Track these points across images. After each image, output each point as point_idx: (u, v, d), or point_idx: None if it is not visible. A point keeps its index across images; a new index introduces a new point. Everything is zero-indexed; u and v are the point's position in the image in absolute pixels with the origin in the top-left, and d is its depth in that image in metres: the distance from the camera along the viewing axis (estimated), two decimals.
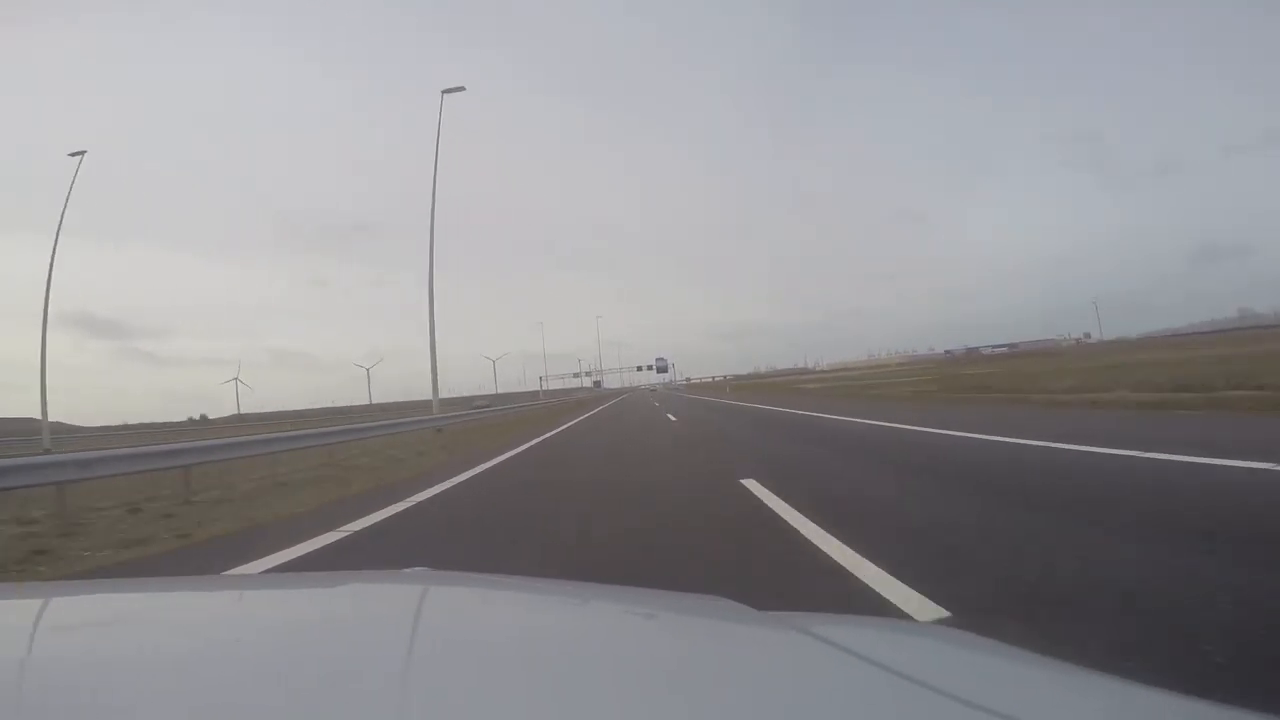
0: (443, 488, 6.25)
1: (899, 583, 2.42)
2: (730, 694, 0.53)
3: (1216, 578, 2.27)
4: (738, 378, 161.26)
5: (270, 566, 3.49)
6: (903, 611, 2.11)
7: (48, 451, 16.57)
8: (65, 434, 57.58)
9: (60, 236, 28.08)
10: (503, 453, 9.75)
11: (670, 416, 17.50)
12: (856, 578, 2.56)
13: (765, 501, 4.37)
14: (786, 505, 4.10)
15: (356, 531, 4.33)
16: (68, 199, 28.28)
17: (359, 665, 0.58)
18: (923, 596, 2.24)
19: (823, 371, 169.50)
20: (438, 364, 20.23)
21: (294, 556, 3.65)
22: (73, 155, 28.80)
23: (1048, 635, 1.77)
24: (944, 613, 2.06)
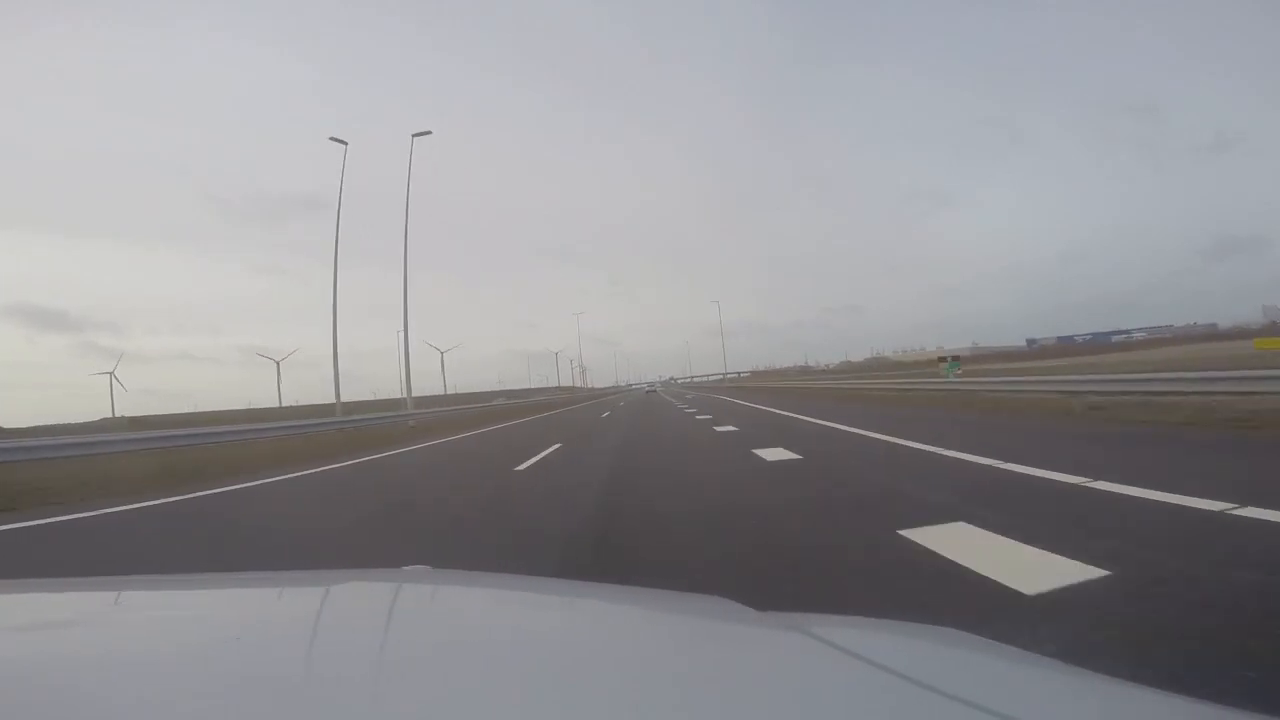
0: None
1: None
2: (730, 694, 0.53)
3: None
4: (753, 374, 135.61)
5: None
6: None
7: None
8: None
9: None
10: None
11: None
12: None
13: None
14: None
15: None
16: None
17: (359, 664, 0.59)
18: None
19: (833, 373, 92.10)
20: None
21: None
22: None
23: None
24: None
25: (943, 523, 3.31)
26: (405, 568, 1.14)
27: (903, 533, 3.16)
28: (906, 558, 2.83)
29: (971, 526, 3.23)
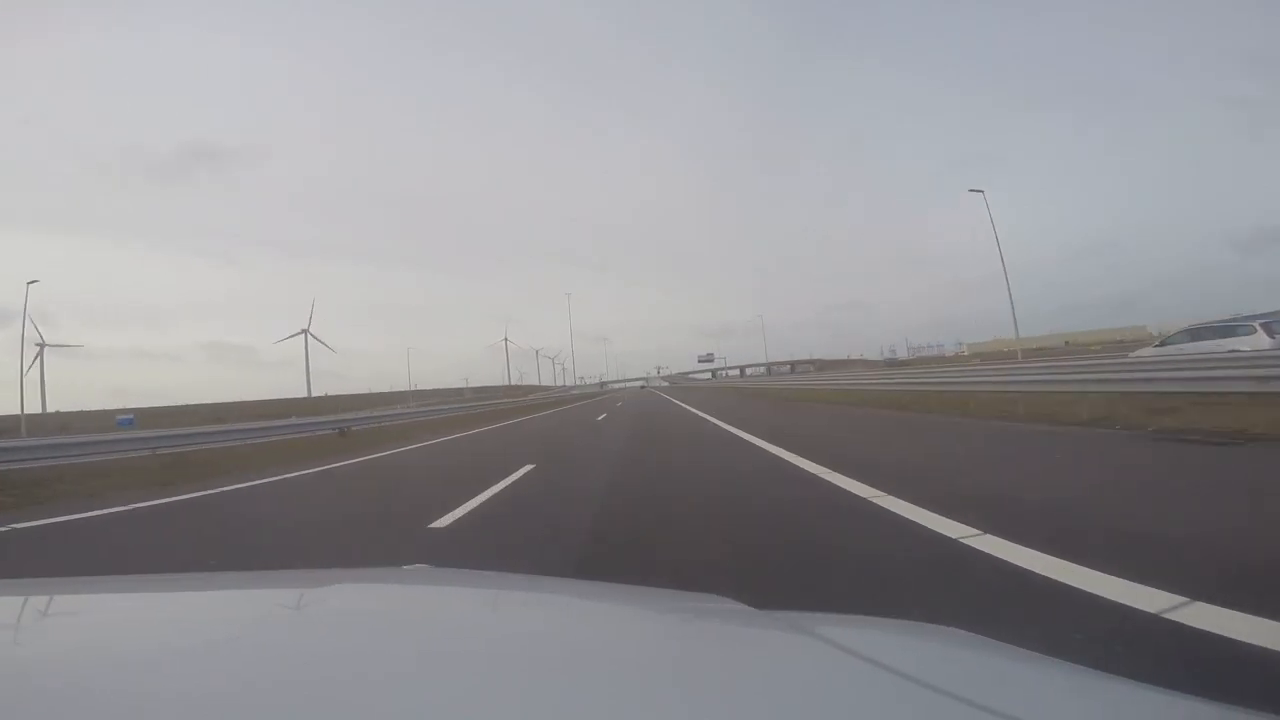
0: None
1: None
2: (730, 694, 0.53)
3: None
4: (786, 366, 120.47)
5: None
6: None
7: None
8: None
9: None
10: None
11: None
12: None
13: None
14: None
15: None
16: None
17: (359, 663, 0.59)
18: None
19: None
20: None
21: None
22: None
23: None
24: None
25: None
26: (405, 567, 1.15)
27: None
28: None
29: None
